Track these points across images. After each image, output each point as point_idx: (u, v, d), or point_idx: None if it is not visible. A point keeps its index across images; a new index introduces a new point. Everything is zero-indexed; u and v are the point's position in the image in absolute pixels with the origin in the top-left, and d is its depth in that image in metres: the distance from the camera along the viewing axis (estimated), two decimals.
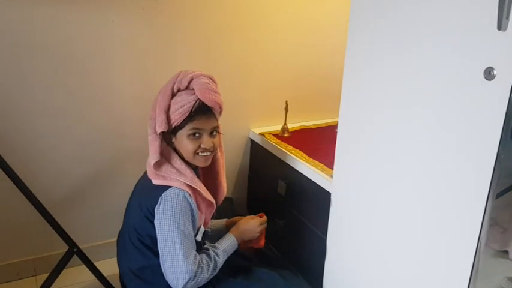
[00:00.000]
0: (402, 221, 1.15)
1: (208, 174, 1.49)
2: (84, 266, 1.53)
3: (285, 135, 1.97)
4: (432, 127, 1.01)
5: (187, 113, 1.27)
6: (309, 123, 2.17)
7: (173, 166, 1.31)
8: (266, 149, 1.92)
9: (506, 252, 1.22)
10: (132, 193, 1.46)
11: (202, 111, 1.29)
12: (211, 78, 1.34)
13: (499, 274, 1.18)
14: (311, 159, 1.68)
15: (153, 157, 1.29)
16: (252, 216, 1.59)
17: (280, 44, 2.03)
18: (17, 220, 1.70)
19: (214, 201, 1.39)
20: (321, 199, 1.54)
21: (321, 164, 1.63)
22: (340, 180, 1.40)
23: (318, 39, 2.12)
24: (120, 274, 1.47)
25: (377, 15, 1.14)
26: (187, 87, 1.31)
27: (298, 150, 1.77)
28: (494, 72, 0.84)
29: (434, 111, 1.00)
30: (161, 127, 1.28)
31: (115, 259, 1.57)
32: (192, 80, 1.29)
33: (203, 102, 1.28)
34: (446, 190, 1.00)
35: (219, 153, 1.47)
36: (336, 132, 1.97)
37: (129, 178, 1.85)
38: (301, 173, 1.67)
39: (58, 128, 1.69)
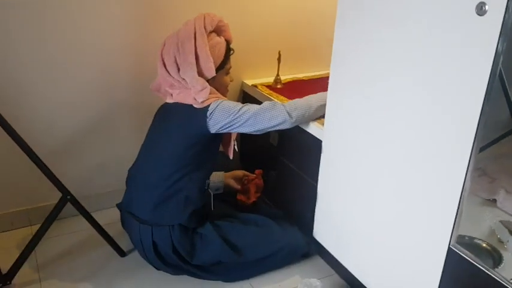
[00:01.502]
0: (389, 167, 1.18)
1: None
2: (79, 216, 1.55)
3: (278, 86, 1.95)
4: (422, 70, 1.01)
5: (224, 53, 1.47)
6: (301, 75, 2.15)
7: (213, 93, 1.45)
8: (259, 100, 1.91)
9: (495, 200, 1.25)
10: (157, 129, 1.52)
11: (231, 49, 1.52)
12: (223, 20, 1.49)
13: (489, 220, 1.22)
14: None
15: (204, 96, 1.39)
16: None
17: None
18: (10, 170, 1.70)
19: None
20: (312, 147, 1.55)
21: None
22: (331, 128, 1.41)
23: None
24: (125, 219, 1.53)
25: None
26: (214, 30, 1.44)
27: (290, 100, 1.76)
28: (486, 7, 0.83)
29: (425, 53, 0.99)
30: (212, 71, 1.40)
31: (110, 210, 1.60)
32: (217, 23, 1.44)
33: (228, 42, 1.50)
34: (433, 138, 1.02)
35: None
36: (328, 83, 1.96)
37: (122, 128, 1.85)
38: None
39: (47, 79, 1.65)
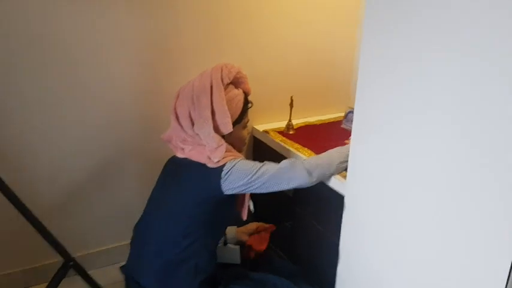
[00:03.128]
0: (424, 230, 1.06)
1: None
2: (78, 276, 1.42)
3: (290, 132, 1.86)
4: (463, 111, 0.91)
5: (242, 106, 1.37)
6: (312, 119, 2.07)
7: (229, 151, 1.34)
8: (271, 147, 1.82)
9: None
10: (165, 186, 1.41)
11: (248, 102, 1.43)
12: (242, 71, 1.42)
13: None
14: None
15: (219, 155, 1.28)
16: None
17: (284, 37, 1.92)
18: (6, 229, 1.59)
19: None
20: (332, 201, 1.44)
21: None
22: (355, 182, 1.30)
23: (322, 32, 2.01)
24: (130, 278, 1.39)
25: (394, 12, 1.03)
26: (231, 82, 1.36)
27: (306, 149, 1.67)
28: None
29: (464, 102, 0.90)
30: (229, 127, 1.30)
31: (113, 267, 1.47)
32: (234, 75, 1.35)
33: (246, 95, 1.41)
34: (477, 198, 0.91)
35: None
36: (343, 128, 1.87)
37: (128, 179, 1.75)
38: None
39: (50, 126, 1.57)
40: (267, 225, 1.66)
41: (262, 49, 1.88)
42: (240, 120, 1.38)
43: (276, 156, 1.76)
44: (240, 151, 1.41)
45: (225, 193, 1.27)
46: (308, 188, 1.61)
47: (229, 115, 1.29)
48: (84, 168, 1.66)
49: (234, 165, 1.27)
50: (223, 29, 1.75)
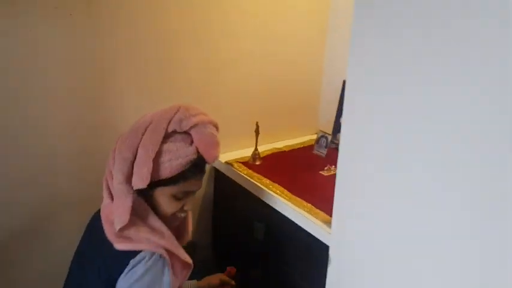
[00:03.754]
0: None
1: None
2: None
3: (257, 162, 1.63)
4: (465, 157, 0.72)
5: (181, 170, 0.98)
6: (280, 145, 1.85)
7: (145, 224, 0.98)
8: (235, 182, 1.57)
9: None
10: (82, 249, 1.09)
11: (200, 169, 1.03)
12: (216, 127, 1.04)
13: None
14: (295, 197, 1.35)
15: (121, 218, 0.94)
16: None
17: (247, 57, 1.69)
18: None
19: (191, 263, 1.07)
20: (313, 250, 1.22)
21: (308, 205, 1.31)
22: (341, 232, 1.08)
23: (288, 52, 1.81)
24: None
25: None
26: (185, 131, 1.01)
27: (276, 185, 1.43)
28: None
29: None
30: (143, 181, 0.94)
31: None
32: (195, 125, 1.00)
33: (202, 159, 1.02)
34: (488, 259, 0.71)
35: None
36: (315, 154, 1.66)
37: (64, 230, 1.43)
38: (284, 216, 1.34)
39: None
40: (229, 279, 1.40)
41: (219, 72, 1.64)
42: (167, 183, 0.98)
43: (242, 193, 1.52)
44: (170, 225, 1.04)
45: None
46: (282, 232, 1.38)
47: (150, 166, 0.93)
48: (8, 222, 1.34)
49: (143, 271, 0.94)
50: (174, 49, 1.49)
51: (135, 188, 0.95)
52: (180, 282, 1.09)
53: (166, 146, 0.97)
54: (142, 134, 0.97)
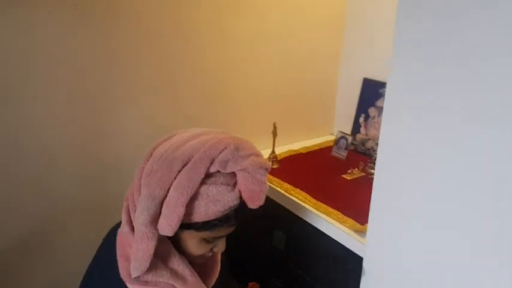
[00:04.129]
0: None
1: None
2: None
3: (274, 166, 1.54)
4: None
5: (219, 216, 0.83)
6: (296, 147, 1.75)
7: (167, 267, 0.85)
8: None
9: None
10: (92, 275, 0.95)
11: (239, 217, 0.87)
12: (267, 170, 0.88)
13: None
14: (320, 204, 1.26)
15: (140, 267, 0.80)
16: None
17: (261, 56, 1.59)
18: None
19: None
20: (343, 261, 1.13)
21: (335, 211, 1.22)
22: (378, 243, 0.99)
23: (304, 52, 1.71)
24: None
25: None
26: (228, 172, 0.84)
27: (298, 190, 1.34)
28: None
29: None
30: (171, 229, 0.79)
31: None
32: (244, 169, 0.83)
33: (245, 205, 0.86)
34: None
35: None
36: (334, 156, 1.58)
37: (67, 243, 1.33)
38: (308, 223, 1.25)
39: None
40: None
41: (237, 72, 1.55)
42: (199, 228, 0.84)
43: None
44: (194, 264, 0.91)
45: None
46: (306, 240, 1.30)
47: (181, 212, 0.79)
48: (14, 228, 1.24)
49: None
50: (186, 50, 1.40)
51: (163, 232, 0.81)
52: None
53: (204, 189, 0.81)
54: (178, 171, 0.80)
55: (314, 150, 1.74)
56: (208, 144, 0.82)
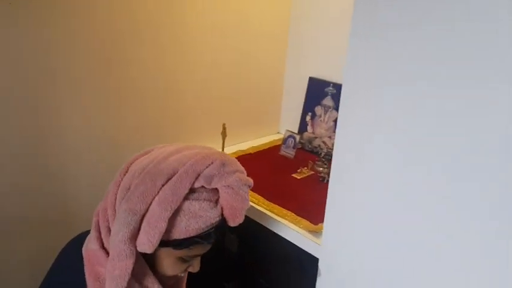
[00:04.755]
0: None
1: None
2: None
3: None
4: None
5: (198, 233, 0.81)
6: (244, 147, 1.74)
7: (141, 286, 0.81)
8: None
9: None
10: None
11: (219, 234, 0.85)
12: (249, 187, 0.89)
13: None
14: (274, 205, 1.25)
15: (117, 284, 0.76)
16: None
17: (207, 56, 1.55)
18: None
19: None
20: (298, 263, 1.13)
21: (289, 212, 1.22)
22: (333, 242, 1.00)
23: (248, 50, 1.69)
24: None
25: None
26: (212, 188, 0.83)
27: (251, 192, 1.32)
28: None
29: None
30: (151, 246, 0.76)
31: None
32: (228, 186, 0.83)
33: (225, 223, 0.86)
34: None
35: None
36: (282, 155, 1.58)
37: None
38: (262, 226, 1.23)
39: None
40: None
41: (183, 74, 1.49)
42: (177, 246, 0.81)
43: None
44: (165, 284, 0.87)
45: None
46: (259, 242, 1.28)
47: (163, 228, 0.76)
48: None
49: None
50: (124, 45, 1.31)
51: (142, 250, 0.77)
52: None
53: (187, 204, 0.79)
54: (162, 186, 0.77)
55: (262, 150, 1.74)
56: (194, 159, 0.80)
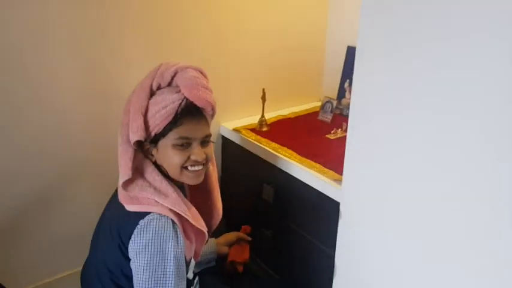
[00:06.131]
0: (435, 243, 0.90)
1: (197, 192, 1.19)
2: None
3: (264, 129, 1.66)
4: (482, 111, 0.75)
5: (172, 116, 0.99)
6: (285, 112, 1.88)
7: (151, 185, 1.01)
8: (244, 148, 1.61)
9: None
10: (101, 217, 1.13)
11: (191, 113, 1.01)
12: (200, 72, 1.05)
13: None
14: (304, 159, 1.39)
15: (123, 174, 0.99)
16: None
17: (250, 26, 1.70)
18: None
19: (205, 230, 1.08)
20: (324, 208, 1.27)
21: (317, 165, 1.35)
22: (352, 187, 1.12)
23: (291, 18, 1.82)
24: None
25: None
26: (170, 83, 1.03)
27: (285, 148, 1.47)
28: None
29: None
30: (136, 134, 0.98)
31: None
32: (176, 73, 1.01)
33: (191, 102, 1.00)
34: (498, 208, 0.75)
35: (211, 167, 1.20)
36: (320, 120, 1.68)
37: (79, 197, 1.48)
38: (294, 177, 1.38)
39: None
40: (246, 236, 1.46)
41: (226, 40, 1.65)
42: (165, 132, 1.00)
43: (251, 157, 1.56)
44: (180, 185, 1.09)
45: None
46: (292, 192, 1.43)
47: (140, 121, 0.98)
48: (23, 190, 1.37)
49: (152, 233, 0.95)
50: (180, 18, 1.50)
51: (132, 141, 0.99)
52: (197, 248, 1.11)
53: (153, 100, 1.00)
54: (132, 95, 1.03)
55: (302, 115, 1.87)
56: (152, 72, 1.04)
